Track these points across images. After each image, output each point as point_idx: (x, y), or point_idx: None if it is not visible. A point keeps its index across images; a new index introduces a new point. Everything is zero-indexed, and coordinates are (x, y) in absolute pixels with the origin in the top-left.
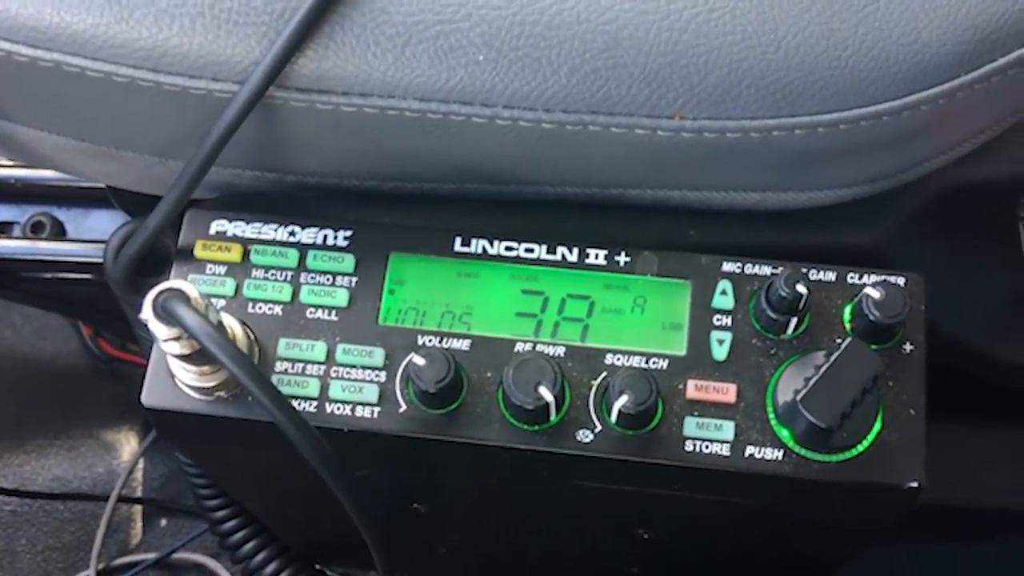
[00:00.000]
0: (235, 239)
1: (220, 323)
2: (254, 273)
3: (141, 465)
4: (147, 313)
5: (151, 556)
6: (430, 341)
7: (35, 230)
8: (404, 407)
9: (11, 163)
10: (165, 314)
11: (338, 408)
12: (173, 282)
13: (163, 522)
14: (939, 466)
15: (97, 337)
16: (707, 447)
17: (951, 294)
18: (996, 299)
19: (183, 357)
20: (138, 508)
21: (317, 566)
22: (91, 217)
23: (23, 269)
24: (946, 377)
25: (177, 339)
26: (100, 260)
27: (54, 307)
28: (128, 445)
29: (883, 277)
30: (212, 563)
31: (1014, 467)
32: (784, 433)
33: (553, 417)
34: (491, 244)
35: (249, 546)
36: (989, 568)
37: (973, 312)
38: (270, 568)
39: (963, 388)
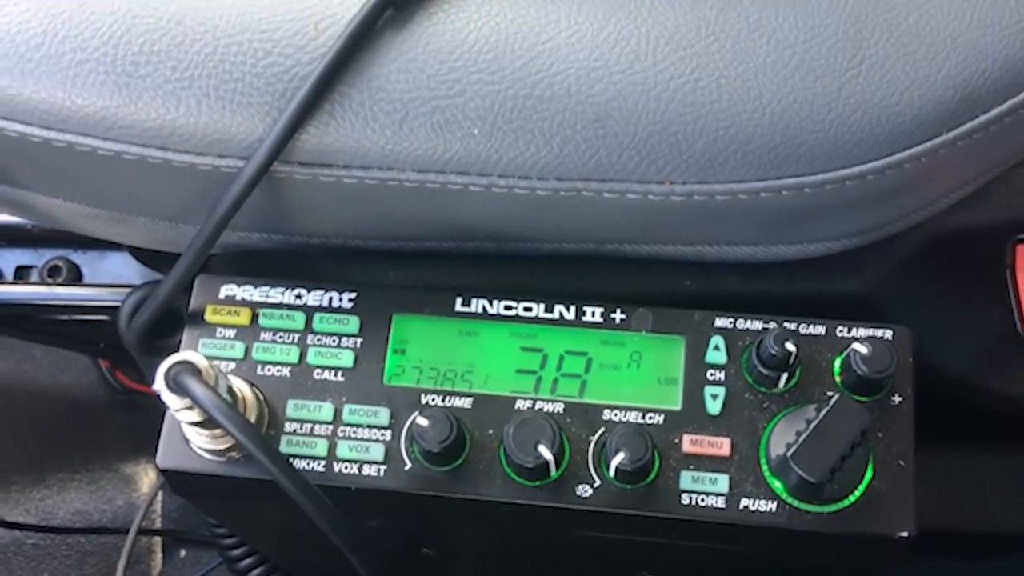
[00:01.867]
0: (244, 303)
1: (230, 389)
2: (262, 336)
3: (160, 497)
4: (160, 385)
5: None
6: (433, 400)
7: (52, 274)
8: (409, 465)
9: None
10: (176, 386)
11: (346, 467)
12: (184, 354)
13: (183, 553)
14: (942, 492)
15: (115, 369)
16: (703, 500)
17: (943, 332)
18: (988, 336)
19: (195, 423)
20: (158, 540)
21: None
22: (107, 260)
23: (41, 312)
24: (948, 408)
25: (189, 408)
26: (115, 303)
27: (72, 346)
28: (147, 477)
29: (870, 332)
30: None
31: (1014, 493)
32: (777, 485)
33: (553, 473)
34: (491, 303)
35: None
36: None
37: (966, 348)
38: None
39: (964, 418)
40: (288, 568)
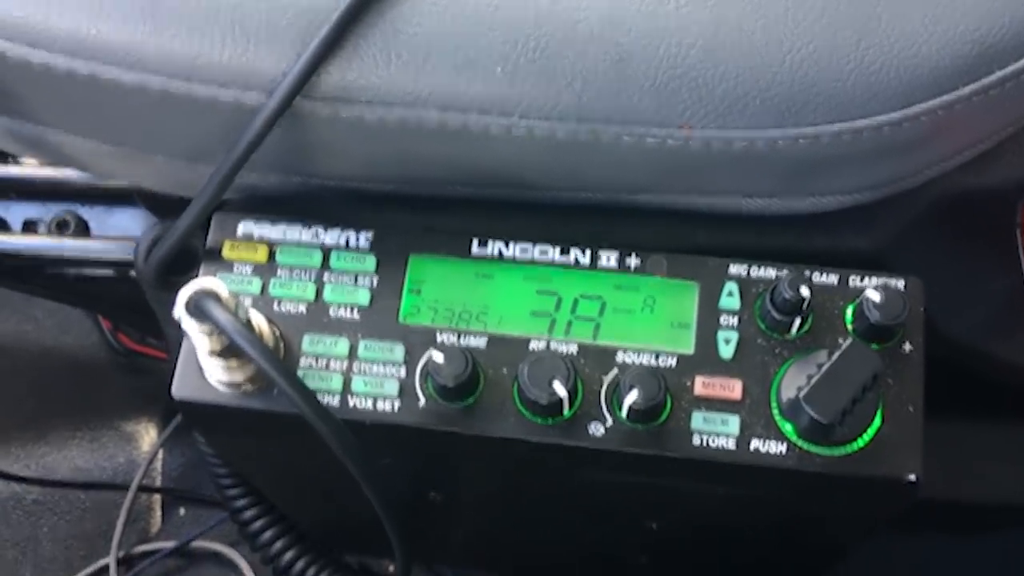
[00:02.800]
0: (261, 240)
1: (248, 321)
2: (279, 272)
3: (160, 456)
4: (179, 311)
5: (170, 544)
6: (448, 338)
7: (60, 228)
8: (423, 401)
9: (37, 163)
10: (197, 312)
11: (360, 401)
12: (206, 280)
13: (182, 511)
14: (944, 462)
15: (117, 331)
16: (713, 441)
17: (952, 296)
18: (996, 301)
19: (213, 353)
20: (157, 497)
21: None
22: (114, 215)
23: (48, 265)
24: (951, 377)
25: (208, 335)
26: (122, 257)
27: (77, 302)
28: (147, 436)
29: (883, 280)
30: (230, 551)
31: (1016, 463)
32: (788, 428)
33: (566, 411)
34: (507, 246)
35: (269, 534)
36: (990, 561)
37: (974, 313)
38: (289, 555)
39: (968, 387)
40: (291, 514)
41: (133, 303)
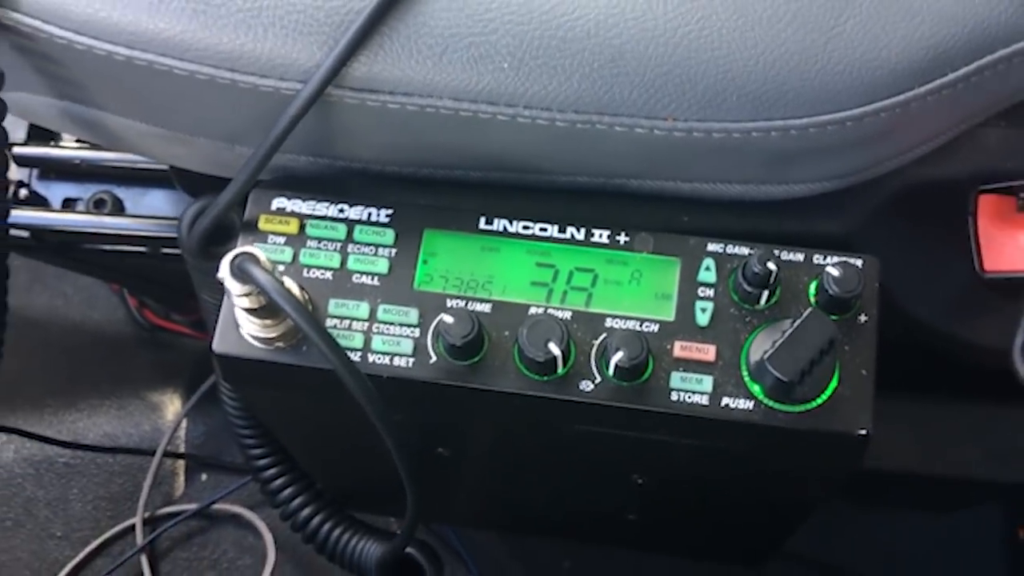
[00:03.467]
0: (293, 214)
1: (283, 283)
2: (309, 243)
3: (184, 424)
4: (224, 272)
5: (192, 507)
6: (457, 304)
7: (97, 206)
8: (434, 358)
9: (77, 145)
10: (240, 273)
11: (379, 359)
12: (247, 247)
13: (203, 476)
14: (919, 439)
15: (142, 308)
16: (689, 397)
17: (914, 279)
18: (956, 285)
19: (251, 311)
20: (181, 463)
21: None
22: (148, 196)
23: (85, 241)
24: (923, 358)
25: (248, 295)
26: (155, 234)
27: (109, 276)
28: (172, 406)
29: (843, 259)
30: (248, 513)
31: (983, 441)
32: (755, 387)
33: (560, 369)
34: (511, 223)
35: (288, 491)
36: (961, 533)
37: (935, 296)
38: (306, 511)
39: (938, 369)
40: (310, 470)
41: (162, 278)
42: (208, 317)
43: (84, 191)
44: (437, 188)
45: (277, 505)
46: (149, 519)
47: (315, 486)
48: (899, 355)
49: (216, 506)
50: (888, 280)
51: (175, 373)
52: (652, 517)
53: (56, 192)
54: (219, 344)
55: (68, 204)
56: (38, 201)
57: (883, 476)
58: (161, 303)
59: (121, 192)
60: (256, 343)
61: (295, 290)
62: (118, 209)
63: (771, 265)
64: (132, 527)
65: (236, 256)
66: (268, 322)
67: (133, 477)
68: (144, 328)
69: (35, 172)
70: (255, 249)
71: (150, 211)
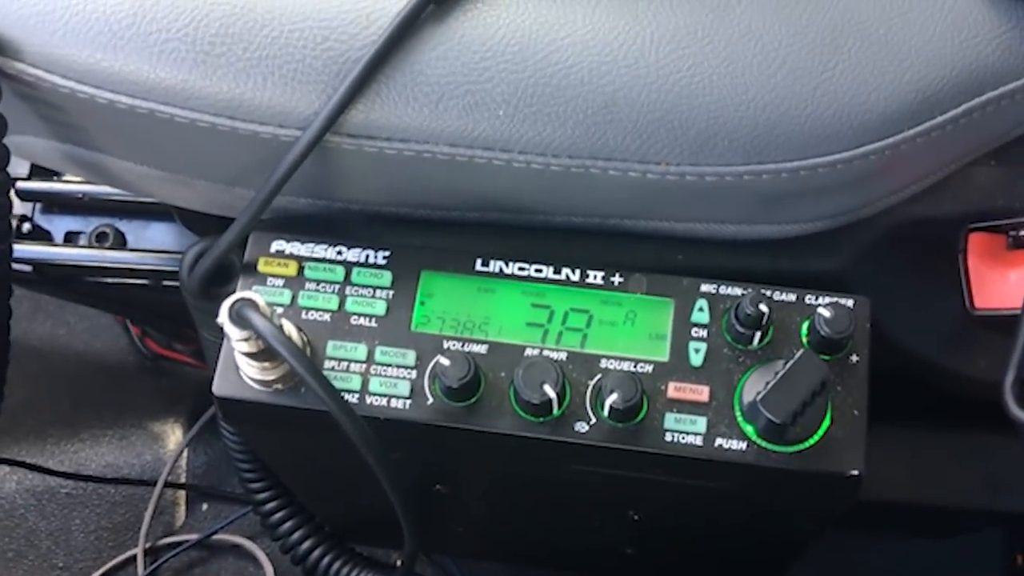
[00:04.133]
0: (292, 257)
1: (281, 327)
2: (307, 286)
3: (185, 454)
4: (223, 318)
5: (193, 537)
6: (454, 345)
7: (99, 240)
8: (431, 400)
9: (79, 179)
10: (239, 319)
11: (376, 400)
12: (245, 292)
13: (204, 506)
14: (912, 468)
15: (144, 337)
16: (683, 438)
17: (906, 313)
18: (946, 319)
19: (250, 355)
20: (182, 493)
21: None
22: (150, 229)
23: (87, 274)
24: (915, 389)
25: (247, 340)
26: (156, 267)
27: (112, 308)
28: (173, 436)
29: (834, 299)
30: (249, 544)
31: (979, 469)
32: (748, 428)
33: (555, 411)
34: (507, 265)
35: (288, 525)
36: (954, 560)
37: (926, 330)
38: (306, 544)
39: (930, 399)
40: (310, 505)
41: (164, 310)
42: (209, 353)
43: (86, 224)
44: (434, 228)
45: (277, 538)
46: (150, 549)
47: (315, 519)
48: (893, 385)
49: (217, 536)
50: (880, 314)
51: (177, 402)
52: (648, 550)
53: (59, 226)
54: (219, 387)
55: (70, 238)
56: (41, 235)
57: (879, 506)
58: (163, 333)
59: (123, 225)
60: (255, 385)
61: (293, 333)
62: (120, 242)
63: (763, 307)
64: (133, 558)
65: (235, 302)
66: (267, 365)
67: (135, 507)
68: (147, 357)
69: (38, 206)
70: (254, 294)
71: (152, 244)
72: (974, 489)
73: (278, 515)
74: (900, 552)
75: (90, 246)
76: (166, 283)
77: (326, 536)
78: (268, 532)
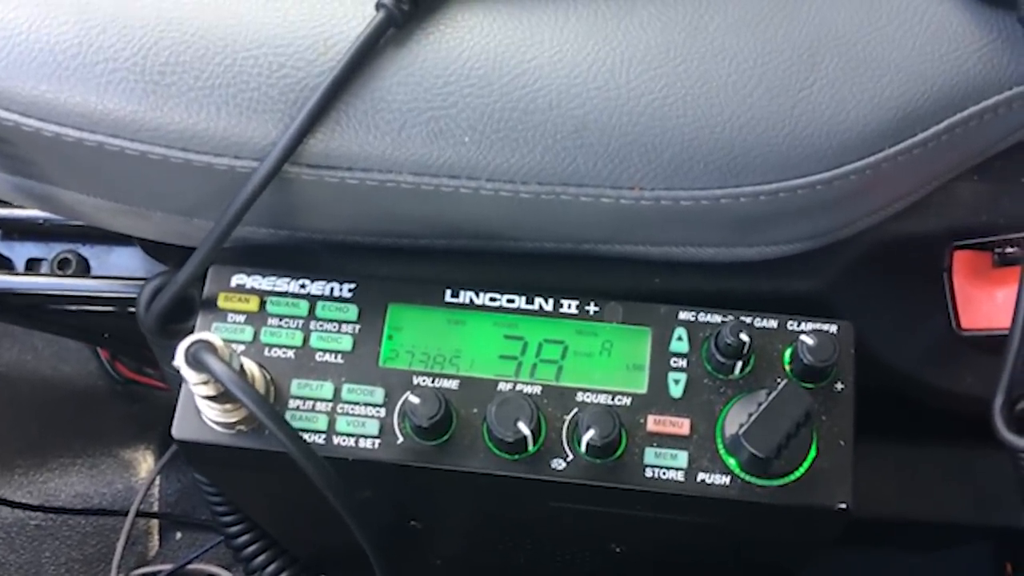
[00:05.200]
0: (253, 291)
1: (242, 367)
2: (270, 321)
3: (157, 482)
4: (179, 361)
5: (168, 567)
6: (424, 381)
7: (61, 266)
8: (401, 439)
9: None
10: (196, 362)
11: (344, 440)
12: (201, 334)
13: (178, 535)
14: (898, 483)
15: (114, 360)
16: (664, 474)
17: (890, 331)
18: (929, 334)
19: (210, 398)
20: (155, 522)
21: None
22: (113, 254)
23: (51, 303)
24: (900, 406)
25: (205, 383)
26: (120, 295)
27: (77, 336)
28: (145, 463)
29: (817, 326)
30: (225, 574)
31: (967, 484)
32: (731, 461)
33: (531, 448)
34: (477, 295)
35: (261, 558)
36: (947, 570)
37: (911, 347)
38: None
39: (916, 415)
40: (282, 540)
41: (131, 336)
42: (174, 386)
43: (48, 251)
44: (401, 255)
45: (251, 572)
46: None
47: (288, 552)
48: (879, 401)
49: (192, 566)
50: (863, 332)
51: (148, 427)
52: None
53: (20, 252)
54: (179, 430)
55: (32, 265)
56: (1, 263)
57: (867, 522)
58: (133, 358)
59: (86, 251)
60: (217, 427)
61: (256, 372)
62: (83, 269)
63: (744, 335)
64: None
65: (191, 345)
66: (228, 407)
67: (106, 537)
68: (117, 381)
69: None
70: (211, 336)
71: (116, 269)
72: (962, 504)
73: (250, 548)
74: (887, 563)
75: (52, 274)
76: (131, 309)
77: (301, 569)
78: (241, 566)
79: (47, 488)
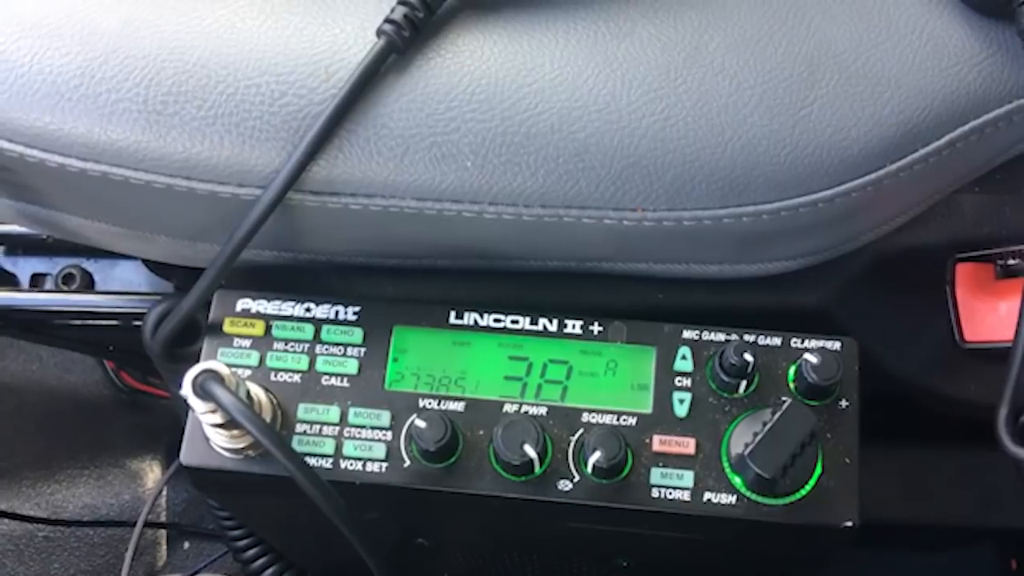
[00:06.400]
0: (258, 316)
1: (248, 393)
2: (275, 346)
3: (165, 492)
4: (187, 391)
5: None
6: (430, 403)
7: (66, 281)
8: (408, 462)
9: None
10: (202, 392)
11: (351, 464)
12: (208, 363)
13: (186, 545)
14: (904, 487)
15: (119, 370)
16: (670, 493)
17: (894, 341)
18: (932, 345)
19: (217, 425)
20: (163, 532)
21: None
22: (118, 268)
23: (55, 318)
24: (906, 411)
25: (213, 411)
26: (126, 309)
27: (82, 349)
28: (152, 473)
29: (821, 343)
30: None
31: (971, 487)
32: (737, 480)
33: (537, 469)
34: (481, 316)
35: (269, 572)
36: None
37: (915, 356)
38: None
39: (921, 421)
40: (291, 558)
41: (136, 349)
42: (181, 409)
43: (52, 266)
44: (405, 276)
45: None
46: None
47: (296, 565)
48: (882, 406)
49: None
50: (865, 343)
51: (154, 437)
52: None
53: (24, 268)
54: (187, 456)
55: (36, 280)
56: (6, 279)
57: (875, 526)
58: (138, 370)
59: (90, 265)
60: (225, 453)
61: (262, 397)
62: (87, 283)
63: (748, 356)
64: None
65: (198, 375)
66: (235, 433)
67: (115, 548)
68: (122, 391)
69: (1, 249)
70: (217, 364)
71: (120, 283)
72: (966, 507)
73: (259, 562)
74: (895, 563)
75: (57, 289)
76: (136, 323)
77: None
78: None
79: (54, 500)
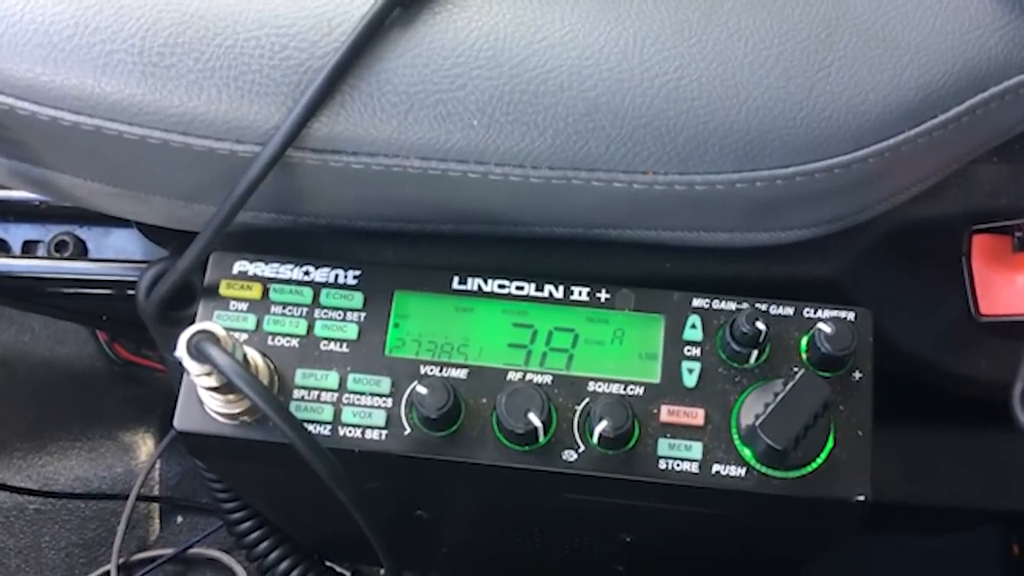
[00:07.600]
0: (256, 278)
1: (245, 357)
2: (273, 309)
3: (158, 465)
4: (181, 352)
5: (168, 551)
6: (431, 370)
7: (59, 249)
8: (409, 430)
9: None
10: (198, 353)
11: (350, 431)
12: (203, 324)
13: (179, 519)
14: (909, 468)
15: (113, 342)
16: (678, 465)
17: (906, 316)
18: (945, 319)
19: (212, 388)
20: (156, 506)
21: (326, 563)
22: (111, 236)
23: (47, 286)
24: (911, 388)
25: (208, 374)
26: (120, 277)
27: (75, 318)
28: (145, 446)
29: (835, 313)
30: (226, 558)
31: (976, 469)
32: (747, 452)
33: (541, 439)
34: (485, 282)
35: (264, 545)
36: (951, 559)
37: (927, 332)
38: (283, 565)
39: (929, 399)
40: (287, 530)
41: (130, 319)
42: (174, 374)
43: (45, 233)
44: (407, 242)
45: (253, 559)
46: (124, 565)
47: (291, 538)
48: (888, 385)
49: (193, 550)
50: (879, 315)
51: (148, 410)
52: (641, 569)
53: (16, 234)
54: (181, 421)
55: (29, 247)
56: None
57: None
58: (131, 341)
59: (83, 232)
60: (220, 418)
61: (259, 362)
62: (80, 251)
63: (760, 324)
64: (107, 574)
65: (193, 335)
66: (231, 398)
67: (107, 522)
68: (115, 363)
69: None
70: (213, 326)
71: (114, 251)
72: (970, 488)
73: (253, 535)
74: (894, 545)
75: (49, 256)
76: (130, 292)
77: (304, 555)
78: (243, 552)
79: (46, 472)
